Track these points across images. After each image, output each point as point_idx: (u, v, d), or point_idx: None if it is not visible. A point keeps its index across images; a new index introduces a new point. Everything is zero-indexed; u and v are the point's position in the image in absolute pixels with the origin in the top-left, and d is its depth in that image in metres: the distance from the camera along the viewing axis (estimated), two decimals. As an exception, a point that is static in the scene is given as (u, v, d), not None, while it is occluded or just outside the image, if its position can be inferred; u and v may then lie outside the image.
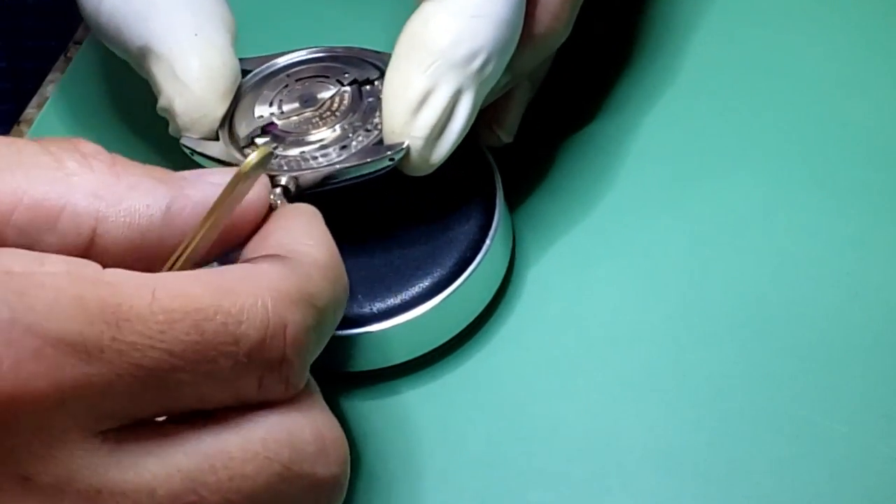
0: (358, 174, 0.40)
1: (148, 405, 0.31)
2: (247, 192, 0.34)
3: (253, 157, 0.33)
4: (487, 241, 0.42)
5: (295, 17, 0.51)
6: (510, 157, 0.45)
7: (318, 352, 0.34)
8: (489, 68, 0.39)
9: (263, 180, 0.36)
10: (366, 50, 0.44)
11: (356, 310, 0.41)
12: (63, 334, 0.30)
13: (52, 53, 0.55)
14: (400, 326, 0.41)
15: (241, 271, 0.33)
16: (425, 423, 0.42)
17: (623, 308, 0.44)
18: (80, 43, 0.53)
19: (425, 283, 0.42)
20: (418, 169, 0.40)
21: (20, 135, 0.52)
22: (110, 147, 0.50)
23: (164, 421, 0.32)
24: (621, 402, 0.42)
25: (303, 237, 0.35)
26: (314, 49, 0.44)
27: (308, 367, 0.34)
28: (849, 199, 0.46)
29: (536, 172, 0.47)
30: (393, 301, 0.42)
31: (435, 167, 0.40)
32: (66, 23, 0.48)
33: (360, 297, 0.42)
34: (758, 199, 0.46)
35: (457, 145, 0.40)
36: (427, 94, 0.39)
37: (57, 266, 0.31)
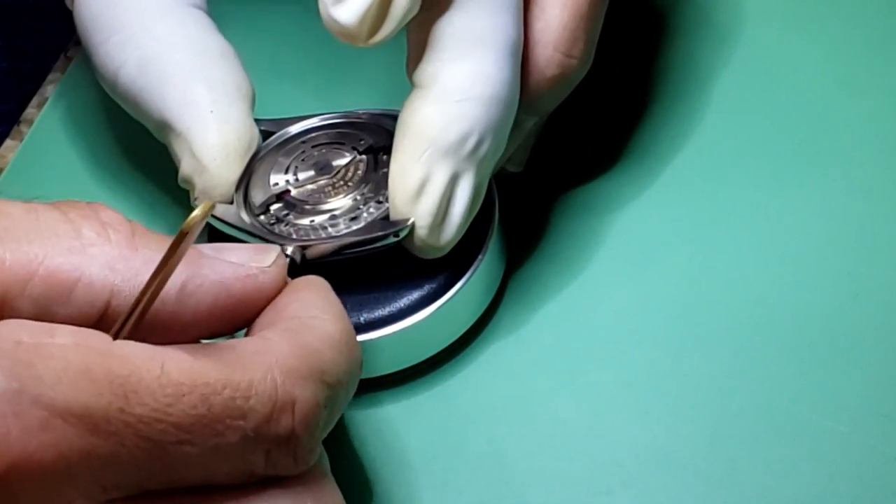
0: (364, 248, 0.40)
1: (154, 477, 0.31)
2: (189, 245, 0.33)
3: (196, 212, 0.32)
4: (484, 247, 0.42)
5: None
6: (504, 167, 0.45)
7: (330, 427, 0.34)
8: (484, 148, 0.40)
9: (281, 260, 0.36)
10: (385, 115, 0.44)
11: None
12: (70, 405, 0.30)
13: (53, 53, 0.55)
14: (395, 335, 0.41)
15: (251, 345, 0.33)
16: (422, 431, 0.42)
17: (623, 309, 0.44)
18: (80, 43, 0.53)
19: (423, 292, 0.42)
20: (429, 253, 0.41)
21: (20, 135, 0.52)
22: (110, 148, 0.50)
23: (168, 492, 0.32)
24: (621, 402, 0.42)
25: (316, 310, 0.35)
26: (334, 114, 0.44)
27: (319, 443, 0.34)
28: (848, 199, 0.46)
29: (532, 180, 0.47)
30: (393, 308, 0.42)
31: (446, 250, 0.41)
32: (66, 23, 0.48)
33: (355, 306, 0.42)
34: (757, 200, 0.46)
35: (465, 227, 0.41)
36: (424, 183, 0.39)
37: (66, 337, 0.31)
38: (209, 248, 0.35)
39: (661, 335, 0.43)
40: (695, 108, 0.49)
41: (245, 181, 0.42)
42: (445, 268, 0.42)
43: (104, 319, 0.33)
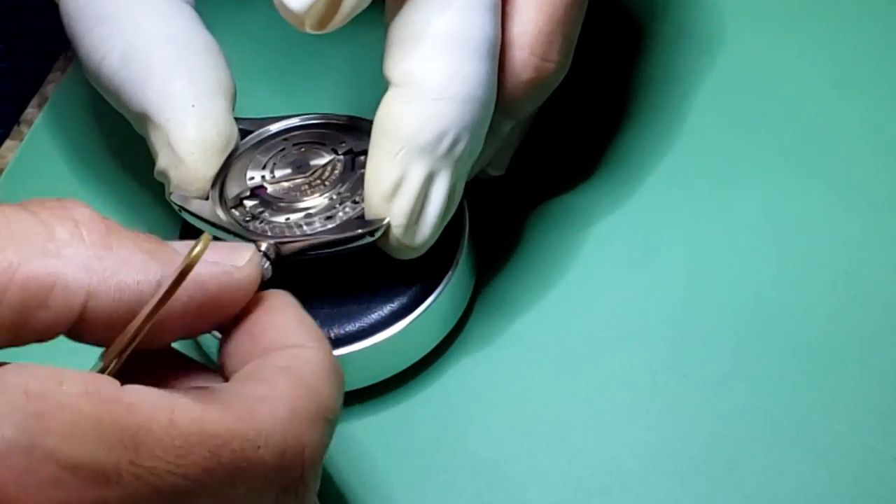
0: (338, 247, 0.40)
1: None
2: (186, 277, 0.33)
3: (198, 249, 0.32)
4: (455, 260, 0.42)
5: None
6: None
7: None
8: (460, 147, 0.39)
9: (256, 258, 0.36)
10: (367, 120, 0.43)
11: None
12: (82, 460, 0.30)
13: (53, 53, 0.55)
14: (365, 350, 0.41)
15: (258, 391, 0.33)
16: (415, 436, 0.42)
17: (622, 308, 0.44)
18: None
19: (394, 306, 0.42)
20: (404, 253, 0.40)
21: (20, 135, 0.52)
22: (110, 148, 0.50)
23: None
24: (621, 402, 0.42)
25: (298, 337, 0.35)
26: (315, 115, 0.44)
27: (319, 479, 0.34)
28: (848, 199, 0.46)
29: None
30: (363, 323, 0.41)
31: (422, 250, 0.40)
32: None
33: (325, 321, 0.41)
34: (757, 200, 0.46)
35: (441, 227, 0.40)
36: (399, 182, 0.39)
37: (76, 385, 0.31)
38: (183, 247, 0.35)
39: (661, 335, 0.43)
40: (694, 110, 0.49)
41: (221, 178, 0.42)
42: (417, 280, 0.42)
43: (82, 321, 0.33)
